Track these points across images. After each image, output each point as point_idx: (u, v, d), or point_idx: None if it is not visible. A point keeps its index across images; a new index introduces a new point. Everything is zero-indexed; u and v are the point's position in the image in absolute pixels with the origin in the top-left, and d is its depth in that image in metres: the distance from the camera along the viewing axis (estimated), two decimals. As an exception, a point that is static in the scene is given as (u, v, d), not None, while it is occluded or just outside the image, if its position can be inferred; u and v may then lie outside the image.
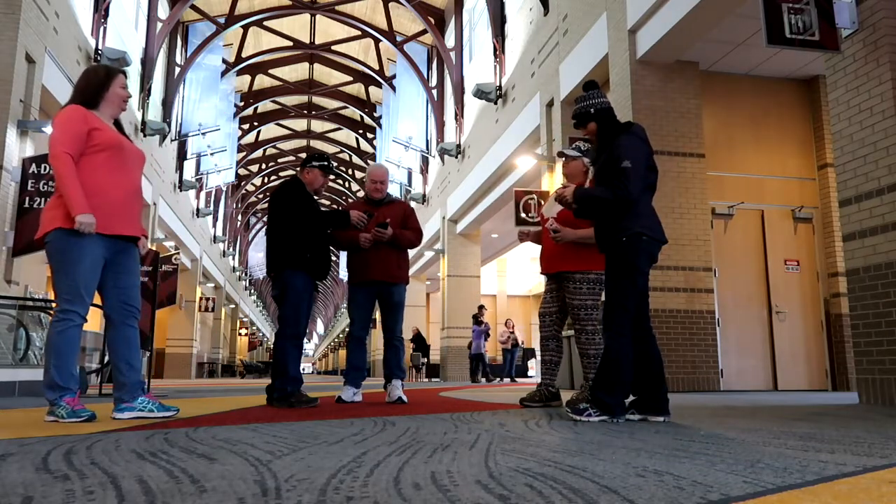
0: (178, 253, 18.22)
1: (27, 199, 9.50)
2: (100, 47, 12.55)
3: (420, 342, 20.05)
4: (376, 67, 22.54)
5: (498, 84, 14.14)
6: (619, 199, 3.18)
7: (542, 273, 4.73)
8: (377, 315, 5.50)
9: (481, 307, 16.82)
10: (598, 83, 3.51)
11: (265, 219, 5.21)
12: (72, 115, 3.12)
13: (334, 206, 37.35)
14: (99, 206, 3.07)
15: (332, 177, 4.89)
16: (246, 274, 43.71)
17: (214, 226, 28.49)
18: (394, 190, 23.47)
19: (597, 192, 3.27)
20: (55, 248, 3.05)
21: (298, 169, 4.92)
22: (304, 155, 29.39)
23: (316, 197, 4.80)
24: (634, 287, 3.21)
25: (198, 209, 23.74)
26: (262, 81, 24.65)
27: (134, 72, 15.51)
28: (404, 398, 4.98)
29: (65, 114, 3.14)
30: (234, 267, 36.18)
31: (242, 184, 32.68)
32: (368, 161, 28.50)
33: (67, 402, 2.99)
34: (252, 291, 49.78)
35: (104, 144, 3.13)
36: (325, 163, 4.81)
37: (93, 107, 3.22)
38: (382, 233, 4.97)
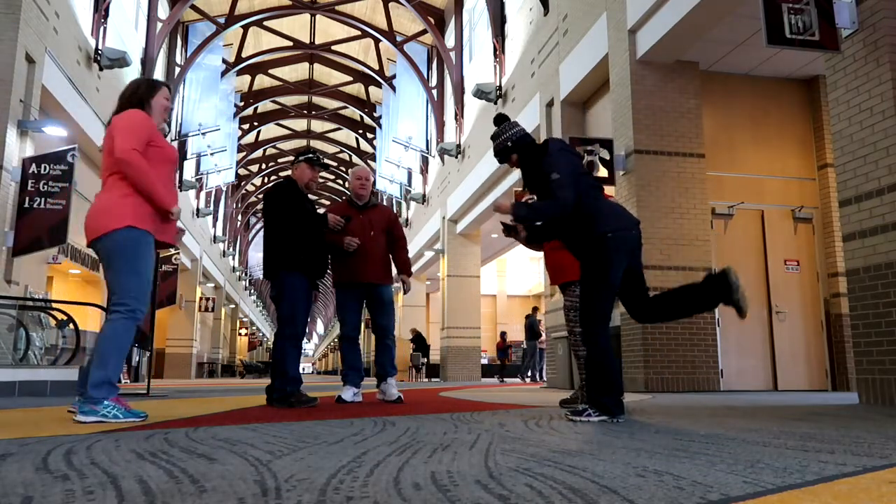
0: (178, 253, 18.22)
1: (27, 199, 9.51)
2: (100, 47, 12.54)
3: (420, 342, 20.05)
4: (376, 67, 22.54)
5: (498, 84, 14.14)
6: (560, 207, 3.26)
7: (552, 284, 5.05)
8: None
9: (535, 308, 16.95)
10: (506, 115, 3.63)
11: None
12: (139, 120, 3.15)
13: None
14: (163, 217, 3.17)
15: (322, 169, 4.90)
16: (246, 274, 43.70)
17: (214, 226, 28.49)
18: (394, 190, 23.47)
19: (539, 206, 3.35)
20: (129, 245, 3.05)
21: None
22: (304, 155, 29.31)
23: (309, 193, 4.81)
24: (609, 291, 3.29)
25: (198, 209, 23.74)
26: (262, 81, 24.65)
27: (134, 72, 15.50)
28: (401, 396, 5.12)
29: (131, 116, 3.15)
30: (234, 267, 36.18)
31: (242, 184, 32.68)
32: (368, 161, 28.51)
33: (117, 402, 2.97)
34: (252, 291, 49.77)
35: (167, 158, 3.23)
36: (310, 155, 4.83)
37: None
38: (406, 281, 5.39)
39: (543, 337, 16.52)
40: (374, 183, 20.23)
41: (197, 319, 25.32)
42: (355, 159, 30.18)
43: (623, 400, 3.28)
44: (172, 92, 18.36)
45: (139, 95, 3.28)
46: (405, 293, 5.41)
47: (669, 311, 3.40)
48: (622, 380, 3.29)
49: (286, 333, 4.54)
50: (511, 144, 3.55)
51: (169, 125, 17.87)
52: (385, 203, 24.77)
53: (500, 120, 3.62)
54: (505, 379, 17.87)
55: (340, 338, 5.26)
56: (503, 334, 18.30)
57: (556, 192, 3.25)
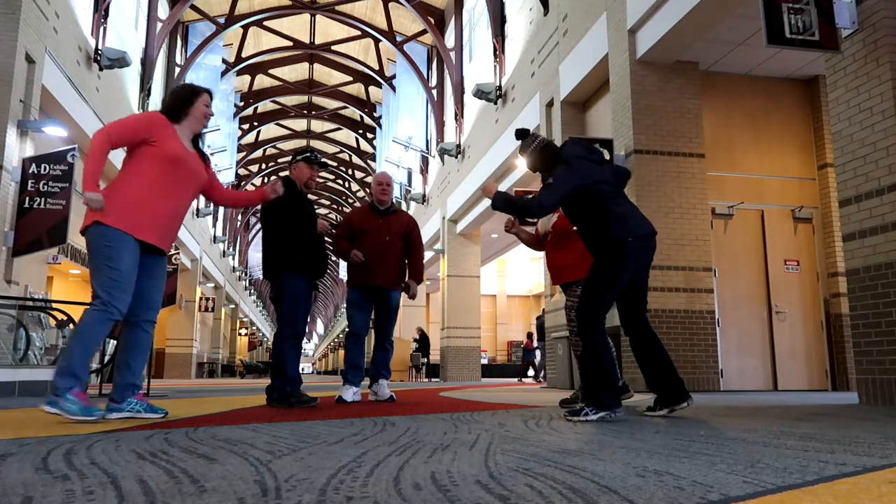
0: (177, 253, 18.22)
1: (27, 199, 9.51)
2: (100, 47, 12.54)
3: (424, 342, 20.03)
4: (376, 67, 22.54)
5: (498, 84, 14.14)
6: (532, 209, 3.39)
7: (554, 285, 5.08)
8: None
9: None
10: (527, 130, 3.71)
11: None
12: (146, 116, 3.26)
13: (333, 207, 37.37)
14: (138, 212, 3.12)
15: (320, 168, 4.89)
16: (246, 274, 43.71)
17: (214, 226, 28.48)
18: (394, 190, 23.48)
19: (516, 201, 3.47)
20: (99, 241, 3.06)
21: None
22: (304, 155, 29.31)
23: (308, 192, 4.81)
24: (613, 293, 3.32)
25: (198, 209, 23.72)
26: (262, 81, 24.65)
27: (134, 72, 15.51)
28: (394, 395, 5.35)
29: (137, 115, 3.28)
30: (234, 267, 36.18)
31: (242, 184, 32.67)
32: (368, 161, 28.51)
33: (78, 397, 2.92)
34: (252, 291, 49.77)
35: (164, 157, 3.20)
36: (308, 154, 4.83)
37: (175, 120, 3.32)
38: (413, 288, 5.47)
39: None
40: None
41: (197, 319, 25.32)
42: (355, 159, 30.19)
43: (623, 399, 3.30)
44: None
45: (177, 104, 3.35)
46: (410, 297, 5.45)
47: (644, 357, 3.53)
48: (618, 374, 3.36)
49: (286, 334, 4.55)
50: (538, 153, 3.63)
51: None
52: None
53: (523, 135, 3.69)
54: (523, 379, 17.90)
55: (347, 335, 5.36)
56: (530, 335, 18.43)
57: (541, 193, 3.37)
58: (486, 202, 15.46)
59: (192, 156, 3.34)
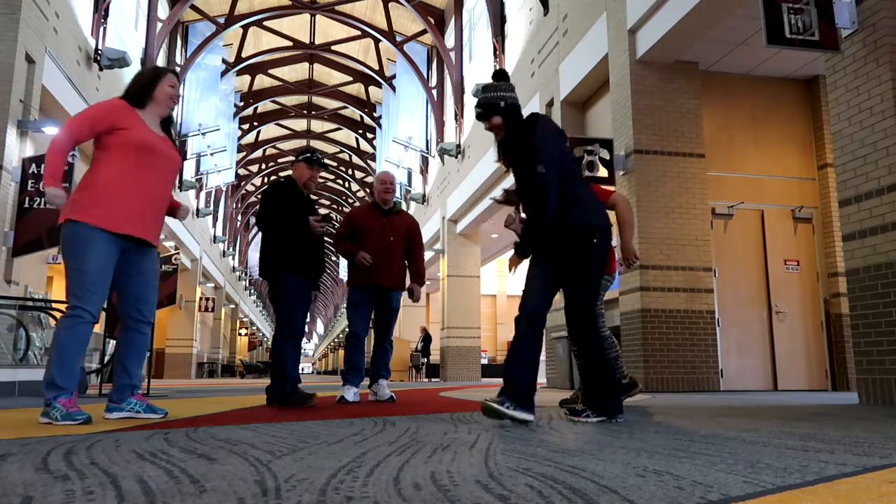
0: (178, 253, 18.24)
1: (27, 199, 9.51)
2: (100, 47, 12.54)
3: (426, 343, 20.01)
4: (376, 67, 22.54)
5: (498, 84, 14.12)
6: (547, 213, 3.05)
7: None
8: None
9: None
10: (507, 73, 3.25)
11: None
12: (104, 105, 3.14)
13: (334, 207, 37.36)
14: (110, 203, 3.02)
15: (321, 169, 4.88)
16: (246, 274, 43.71)
17: (214, 226, 28.49)
18: (396, 189, 23.46)
19: (529, 233, 3.12)
20: (67, 240, 2.99)
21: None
22: (304, 155, 29.28)
23: (308, 192, 4.80)
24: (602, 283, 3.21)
25: (198, 209, 23.74)
26: (262, 81, 24.64)
27: (134, 72, 15.50)
28: (394, 396, 5.35)
29: (102, 102, 3.17)
30: (233, 267, 36.18)
31: (242, 184, 32.68)
32: (368, 161, 28.50)
33: (63, 404, 2.88)
34: (252, 291, 49.76)
35: (131, 143, 3.08)
36: (308, 155, 4.81)
37: (139, 105, 3.20)
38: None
39: None
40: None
41: (197, 319, 25.32)
42: (355, 159, 30.18)
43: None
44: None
45: (140, 88, 3.23)
46: (414, 301, 5.45)
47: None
48: (620, 379, 3.26)
49: (284, 334, 4.55)
50: (503, 104, 3.15)
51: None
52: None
53: (501, 76, 3.24)
54: None
55: (347, 336, 5.35)
56: None
57: (545, 191, 3.03)
58: (486, 202, 15.45)
59: (161, 140, 3.21)
